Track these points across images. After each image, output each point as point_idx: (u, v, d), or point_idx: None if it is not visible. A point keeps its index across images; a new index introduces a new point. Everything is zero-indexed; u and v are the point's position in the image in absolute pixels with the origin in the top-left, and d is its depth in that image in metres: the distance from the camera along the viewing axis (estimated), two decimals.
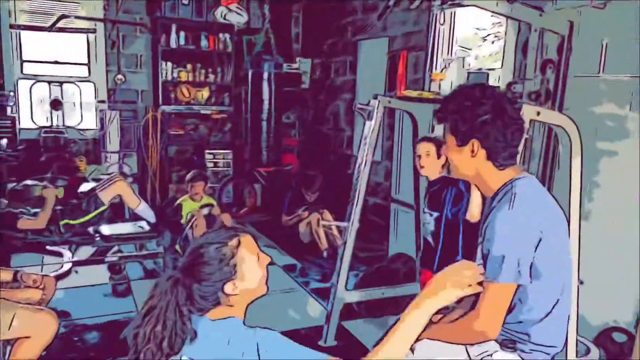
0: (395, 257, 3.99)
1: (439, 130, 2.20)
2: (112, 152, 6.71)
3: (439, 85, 3.99)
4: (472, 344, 1.74)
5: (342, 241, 3.40)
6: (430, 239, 2.91)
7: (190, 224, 4.37)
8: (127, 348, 1.39)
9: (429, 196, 2.93)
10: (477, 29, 4.95)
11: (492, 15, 3.59)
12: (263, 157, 5.64)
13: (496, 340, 1.73)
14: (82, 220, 3.87)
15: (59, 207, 3.94)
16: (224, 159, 6.86)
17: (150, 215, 4.08)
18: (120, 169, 6.70)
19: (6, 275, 2.56)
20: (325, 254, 5.03)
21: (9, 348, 2.46)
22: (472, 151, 1.68)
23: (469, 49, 4.50)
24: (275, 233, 5.76)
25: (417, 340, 1.44)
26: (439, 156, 2.86)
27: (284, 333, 1.55)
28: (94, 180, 6.44)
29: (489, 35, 4.98)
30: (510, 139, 1.67)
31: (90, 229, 3.88)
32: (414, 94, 3.65)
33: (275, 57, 5.40)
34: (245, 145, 6.95)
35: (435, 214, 2.85)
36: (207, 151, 6.81)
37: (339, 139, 6.65)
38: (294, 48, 7.36)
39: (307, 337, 3.56)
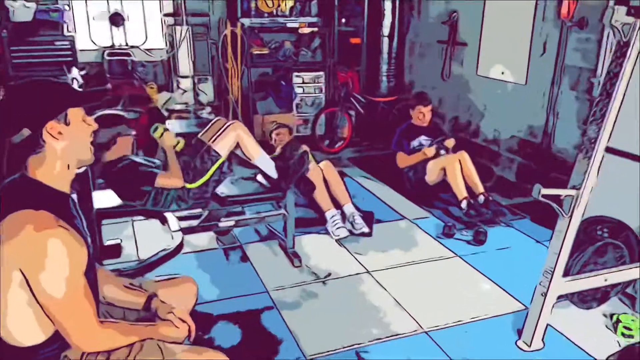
0: (596, 221, 2.99)
1: None
2: (183, 77, 5.72)
3: None
4: None
5: (566, 215, 2.41)
6: None
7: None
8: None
9: None
10: None
11: None
12: (382, 84, 4.51)
13: None
14: (200, 181, 2.93)
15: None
16: (315, 82, 5.78)
17: (271, 168, 3.13)
18: (196, 97, 5.75)
19: (137, 298, 1.72)
20: (464, 204, 4.07)
21: None
22: None
23: None
24: (387, 171, 4.81)
25: None
26: None
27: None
28: (168, 111, 5.57)
29: None
30: None
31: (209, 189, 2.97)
32: None
33: None
34: (345, 66, 5.84)
35: None
36: (296, 74, 5.73)
37: (458, 55, 5.43)
38: None
39: (497, 333, 2.71)
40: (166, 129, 2.98)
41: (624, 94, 2.30)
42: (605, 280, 2.66)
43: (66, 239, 1.35)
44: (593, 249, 2.68)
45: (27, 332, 1.43)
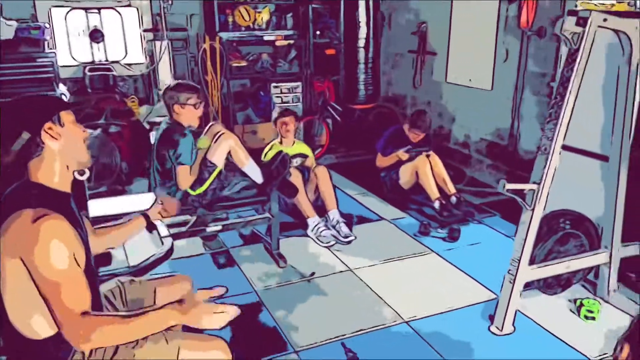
0: (558, 215, 3.23)
1: None
2: None
3: None
4: None
5: (529, 207, 2.64)
6: None
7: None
8: None
9: None
10: None
11: None
12: (360, 92, 4.74)
13: None
14: (201, 189, 3.16)
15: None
16: (292, 92, 5.97)
17: (257, 174, 3.31)
18: None
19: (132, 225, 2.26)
20: (437, 204, 4.30)
21: None
22: None
23: None
24: (365, 176, 5.01)
25: None
26: None
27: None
28: (150, 123, 5.68)
29: None
30: None
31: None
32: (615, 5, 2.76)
33: None
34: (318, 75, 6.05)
35: None
36: (274, 85, 5.92)
37: (428, 64, 5.70)
38: None
39: (471, 320, 2.92)
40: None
41: (576, 96, 2.55)
42: (567, 267, 2.90)
43: (61, 224, 1.45)
44: (555, 238, 2.91)
45: (41, 323, 1.54)
